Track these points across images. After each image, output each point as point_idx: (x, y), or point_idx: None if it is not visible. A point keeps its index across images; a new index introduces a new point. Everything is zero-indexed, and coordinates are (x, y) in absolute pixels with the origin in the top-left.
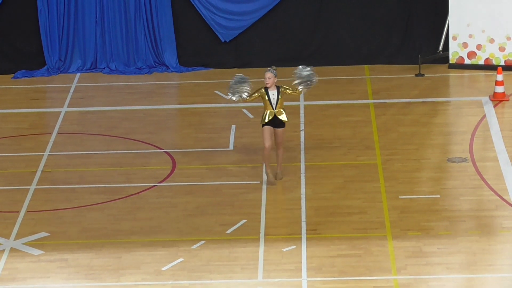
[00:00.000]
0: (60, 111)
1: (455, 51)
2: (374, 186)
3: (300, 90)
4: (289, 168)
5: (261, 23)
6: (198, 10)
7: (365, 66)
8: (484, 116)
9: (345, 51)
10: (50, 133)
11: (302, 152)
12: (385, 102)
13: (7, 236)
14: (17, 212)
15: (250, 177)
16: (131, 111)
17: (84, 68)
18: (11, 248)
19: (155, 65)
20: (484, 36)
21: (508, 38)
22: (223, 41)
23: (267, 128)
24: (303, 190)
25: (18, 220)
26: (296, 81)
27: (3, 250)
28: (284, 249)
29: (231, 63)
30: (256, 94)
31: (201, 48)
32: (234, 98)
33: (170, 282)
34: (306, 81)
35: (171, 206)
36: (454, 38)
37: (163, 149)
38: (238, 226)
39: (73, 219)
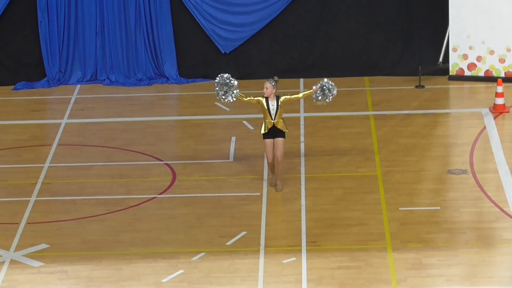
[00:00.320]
0: (60, 123)
1: (455, 63)
2: (374, 198)
3: (317, 101)
4: (289, 180)
5: (261, 34)
6: (198, 21)
7: (365, 77)
8: (484, 127)
9: (345, 62)
10: (50, 145)
11: (302, 164)
12: (385, 114)
13: (7, 248)
14: (17, 223)
15: (250, 188)
16: (131, 123)
17: (84, 80)
18: (11, 259)
19: (155, 76)
20: (484, 48)
21: (508, 50)
22: (223, 52)
23: (269, 142)
24: (303, 202)
25: (18, 232)
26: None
27: (3, 262)
28: (284, 261)
29: (231, 74)
30: (253, 98)
31: (201, 60)
32: (230, 100)
33: None
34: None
35: (171, 217)
36: (454, 50)
37: (163, 161)
38: (238, 238)
39: (73, 230)
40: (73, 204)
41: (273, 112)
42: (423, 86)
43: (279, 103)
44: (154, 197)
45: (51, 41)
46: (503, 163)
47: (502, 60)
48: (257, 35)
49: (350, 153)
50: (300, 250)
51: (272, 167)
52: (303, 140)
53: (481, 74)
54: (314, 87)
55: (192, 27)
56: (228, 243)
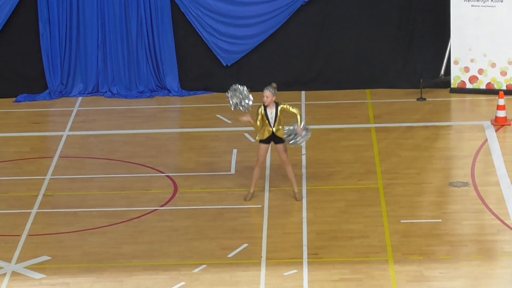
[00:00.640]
0: (62, 135)
1: (457, 76)
2: (376, 210)
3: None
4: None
5: (263, 47)
6: (200, 34)
7: (367, 90)
8: (486, 140)
9: (346, 75)
10: (52, 157)
11: (304, 176)
12: (387, 126)
13: (9, 260)
14: (19, 235)
15: (251, 201)
16: (133, 135)
17: (86, 92)
18: (12, 272)
19: (156, 89)
20: (486, 61)
21: (510, 63)
22: (225, 65)
23: (264, 147)
24: (304, 214)
25: (19, 244)
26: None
27: (4, 274)
28: (286, 273)
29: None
30: (259, 117)
31: (203, 72)
32: (242, 109)
33: None
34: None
35: (173, 230)
36: (456, 63)
37: (164, 173)
38: (240, 250)
39: (75, 242)
40: (75, 216)
41: (272, 120)
42: (424, 99)
43: (278, 111)
44: (156, 209)
45: (53, 53)
46: (504, 176)
47: (503, 73)
48: (259, 47)
49: (351, 166)
50: (301, 262)
51: (257, 175)
52: (304, 152)
53: (483, 86)
54: (298, 127)
55: (194, 39)
56: (230, 255)
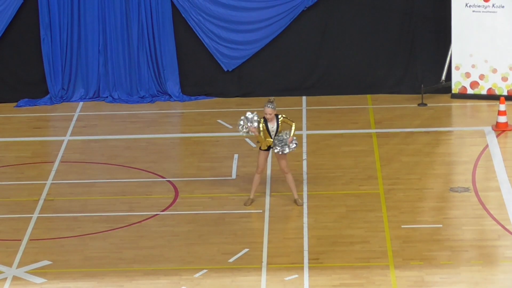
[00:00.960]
0: (63, 140)
1: (458, 81)
2: (377, 216)
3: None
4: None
5: (264, 52)
6: (201, 39)
7: (368, 95)
8: (487, 146)
9: (347, 80)
10: (53, 162)
11: (305, 182)
12: (388, 132)
13: (10, 265)
14: (20, 240)
15: (252, 206)
16: (134, 140)
17: (87, 97)
18: (13, 276)
19: (157, 94)
20: (487, 66)
21: (511, 68)
22: (226, 70)
23: (263, 154)
24: (305, 219)
25: (20, 249)
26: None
27: (5, 278)
28: (286, 278)
29: (234, 92)
30: (261, 131)
31: (204, 77)
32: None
33: None
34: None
35: (174, 235)
36: (457, 68)
37: (165, 178)
38: (241, 255)
39: (76, 247)
40: (76, 221)
41: (272, 133)
42: (425, 104)
43: (279, 122)
44: (157, 214)
45: (54, 58)
46: (505, 181)
47: (504, 79)
48: (260, 53)
49: (352, 171)
50: (302, 268)
51: (257, 181)
52: (305, 158)
53: (484, 92)
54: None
55: (195, 44)
56: (231, 260)
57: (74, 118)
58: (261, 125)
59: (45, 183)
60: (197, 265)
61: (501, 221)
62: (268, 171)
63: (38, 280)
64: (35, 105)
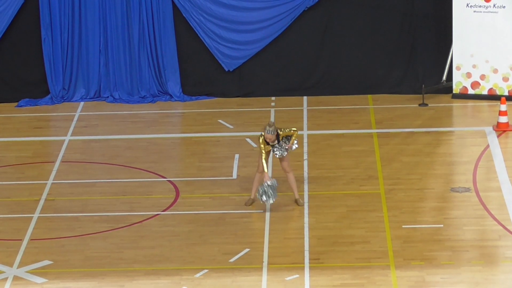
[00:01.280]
0: (64, 140)
1: (459, 81)
2: (377, 216)
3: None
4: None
5: (264, 52)
6: (202, 39)
7: (369, 95)
8: (488, 146)
9: (348, 80)
10: (54, 162)
11: (306, 182)
12: (389, 132)
13: (10, 264)
14: (20, 240)
15: (253, 206)
16: (135, 140)
17: (88, 97)
18: (14, 276)
19: (158, 94)
20: (488, 66)
21: None
22: (226, 70)
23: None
24: (306, 219)
25: (21, 248)
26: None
27: (6, 278)
28: (287, 278)
29: (235, 92)
30: (262, 147)
31: (205, 77)
32: (270, 201)
33: None
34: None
35: (174, 234)
36: (458, 68)
37: (166, 178)
38: (241, 255)
39: (76, 247)
40: (76, 221)
41: (274, 145)
42: (426, 104)
43: (279, 138)
44: (157, 214)
45: (55, 58)
46: (506, 181)
47: (505, 79)
48: (260, 53)
49: (353, 171)
50: (303, 268)
51: (258, 179)
52: (306, 158)
53: (485, 92)
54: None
55: (196, 44)
56: (231, 260)
57: (75, 118)
58: (262, 146)
59: (46, 183)
60: (197, 265)
61: (502, 221)
62: (269, 172)
63: (39, 280)
64: (36, 105)
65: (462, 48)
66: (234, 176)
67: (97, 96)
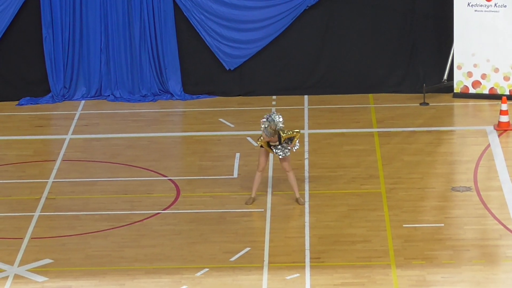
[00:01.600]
0: (65, 138)
1: (460, 81)
2: (378, 215)
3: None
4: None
5: (266, 51)
6: (203, 38)
7: (370, 95)
8: (489, 145)
9: (349, 80)
10: (55, 160)
11: (306, 180)
12: (390, 131)
13: (11, 263)
14: (21, 238)
15: (254, 205)
16: (136, 139)
17: (89, 96)
18: (15, 274)
19: (159, 92)
20: (489, 66)
21: None
22: (227, 69)
23: (264, 152)
24: (307, 218)
25: (22, 247)
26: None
27: (7, 277)
28: (288, 277)
29: (236, 91)
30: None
31: (206, 76)
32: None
33: None
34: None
35: (175, 233)
36: (459, 68)
37: (167, 177)
38: (242, 254)
39: (77, 246)
40: (77, 220)
41: (273, 147)
42: (427, 104)
43: (281, 140)
44: (158, 213)
45: (56, 57)
46: (507, 180)
47: (506, 78)
48: (261, 52)
49: (354, 170)
50: (303, 267)
51: (258, 179)
52: (307, 157)
53: (486, 91)
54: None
55: (197, 43)
56: (232, 259)
57: (76, 117)
58: (262, 138)
59: (47, 182)
60: (198, 264)
61: (502, 220)
62: (270, 171)
63: (40, 278)
64: (37, 103)
65: (463, 47)
66: (235, 175)
67: (98, 95)
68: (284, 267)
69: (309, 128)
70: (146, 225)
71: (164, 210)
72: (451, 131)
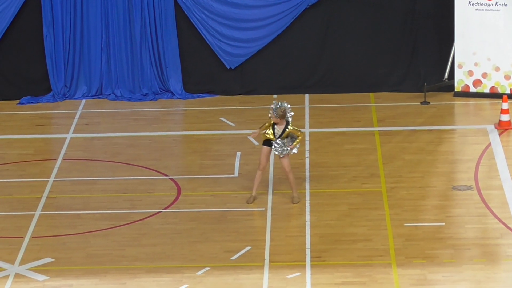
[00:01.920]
0: (66, 137)
1: (461, 79)
2: (379, 214)
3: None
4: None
5: (266, 50)
6: (204, 37)
7: (371, 93)
8: (489, 144)
9: (350, 78)
10: (55, 159)
11: (307, 179)
12: (390, 130)
13: (12, 262)
14: (22, 237)
15: (254, 204)
16: (136, 138)
17: (90, 95)
18: (15, 273)
19: (160, 91)
20: (490, 65)
21: None
22: (228, 68)
23: (265, 149)
24: (307, 217)
25: (22, 246)
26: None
27: (7, 276)
28: (289, 276)
29: (237, 90)
30: (266, 125)
31: (207, 75)
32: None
33: None
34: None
35: (176, 232)
36: (460, 66)
37: (168, 176)
38: (243, 253)
39: (78, 245)
40: (78, 219)
41: (277, 134)
42: (428, 103)
43: (285, 131)
44: (159, 212)
45: (57, 56)
46: (508, 179)
47: (507, 77)
48: (262, 50)
49: (355, 169)
50: (304, 266)
51: (259, 178)
52: (308, 155)
53: (487, 90)
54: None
55: (198, 42)
56: (233, 258)
57: (77, 116)
58: (269, 124)
59: (48, 181)
60: (199, 263)
61: (503, 219)
62: (271, 170)
63: (41, 277)
64: (38, 102)
65: (464, 46)
66: (236, 174)
67: (99, 94)
68: (285, 266)
69: (310, 127)
70: (147, 224)
71: (165, 209)
72: (452, 130)
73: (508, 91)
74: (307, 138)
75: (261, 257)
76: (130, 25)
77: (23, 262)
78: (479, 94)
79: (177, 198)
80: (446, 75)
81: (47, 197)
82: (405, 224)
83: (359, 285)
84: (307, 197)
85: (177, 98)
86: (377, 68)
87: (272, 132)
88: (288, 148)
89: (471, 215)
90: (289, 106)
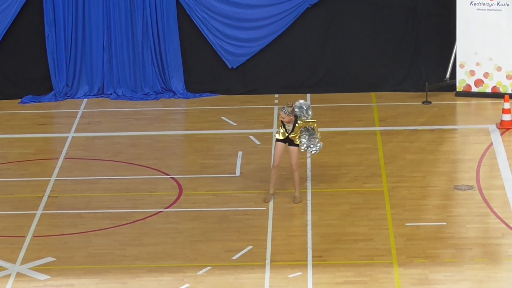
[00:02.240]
0: (67, 137)
1: (462, 79)
2: (380, 213)
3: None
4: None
5: (268, 50)
6: (206, 36)
7: (372, 93)
8: (491, 144)
9: (352, 78)
10: (57, 158)
11: (309, 179)
12: (392, 130)
13: (13, 261)
14: (23, 237)
15: (256, 203)
16: (138, 137)
17: (91, 94)
18: (17, 273)
19: (162, 91)
20: (492, 64)
21: None
22: (230, 67)
23: (279, 145)
24: (309, 217)
25: (24, 245)
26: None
27: (9, 275)
28: (290, 276)
29: (238, 89)
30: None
31: (208, 75)
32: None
33: None
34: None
35: (177, 232)
36: (462, 66)
37: (169, 175)
38: (244, 252)
39: (79, 244)
40: (79, 218)
41: (288, 131)
42: (430, 102)
43: (295, 127)
44: (160, 211)
45: (58, 55)
46: (509, 179)
47: (509, 77)
48: (264, 50)
49: (356, 169)
50: (306, 265)
51: (273, 176)
52: (309, 155)
53: (488, 90)
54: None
55: (200, 42)
56: (234, 258)
57: (78, 115)
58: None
59: (49, 180)
60: (200, 262)
61: (505, 219)
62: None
63: (42, 276)
64: (39, 101)
65: (465, 45)
66: (237, 173)
67: (101, 93)
68: (287, 266)
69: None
70: (148, 223)
71: (166, 208)
72: (454, 129)
73: (510, 91)
74: None
75: (262, 257)
76: (132, 25)
77: (24, 261)
78: (480, 94)
79: (178, 197)
80: (447, 75)
81: (48, 196)
82: (406, 224)
83: (360, 285)
84: (309, 197)
85: (179, 97)
86: (379, 67)
87: (284, 130)
88: (317, 140)
89: (473, 214)
90: (303, 102)
